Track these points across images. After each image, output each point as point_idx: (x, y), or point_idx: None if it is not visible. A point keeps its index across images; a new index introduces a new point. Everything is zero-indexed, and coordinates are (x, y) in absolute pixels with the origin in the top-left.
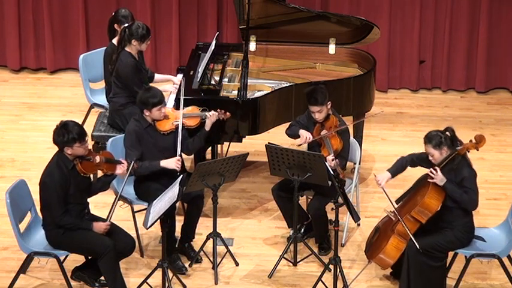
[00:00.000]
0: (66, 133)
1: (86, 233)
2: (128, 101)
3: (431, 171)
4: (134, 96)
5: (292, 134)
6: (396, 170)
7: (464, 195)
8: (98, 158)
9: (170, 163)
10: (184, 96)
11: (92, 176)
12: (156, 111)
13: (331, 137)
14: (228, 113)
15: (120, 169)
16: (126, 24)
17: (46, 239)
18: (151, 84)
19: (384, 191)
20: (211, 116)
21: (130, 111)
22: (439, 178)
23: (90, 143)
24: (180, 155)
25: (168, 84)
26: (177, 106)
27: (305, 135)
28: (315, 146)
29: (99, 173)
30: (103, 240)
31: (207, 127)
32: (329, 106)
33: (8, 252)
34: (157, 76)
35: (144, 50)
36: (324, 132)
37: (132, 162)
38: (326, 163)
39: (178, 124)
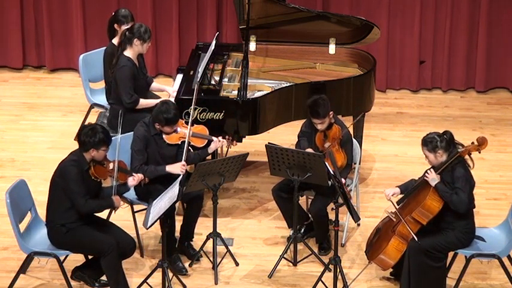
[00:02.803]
0: (97, 135)
1: (89, 231)
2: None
3: (427, 171)
4: (121, 103)
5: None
6: (406, 188)
7: (454, 195)
8: (111, 165)
9: (175, 168)
10: (184, 96)
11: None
12: (168, 128)
13: (335, 152)
14: (235, 142)
15: (132, 181)
16: (127, 26)
17: (48, 238)
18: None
19: (392, 201)
20: (218, 142)
21: (130, 120)
22: (431, 177)
23: None
24: (185, 161)
25: (171, 88)
26: (180, 111)
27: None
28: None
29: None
30: (106, 238)
31: (210, 150)
32: (331, 116)
33: (8, 252)
34: (153, 85)
35: (144, 53)
36: (327, 144)
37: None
38: (326, 164)
39: (184, 141)
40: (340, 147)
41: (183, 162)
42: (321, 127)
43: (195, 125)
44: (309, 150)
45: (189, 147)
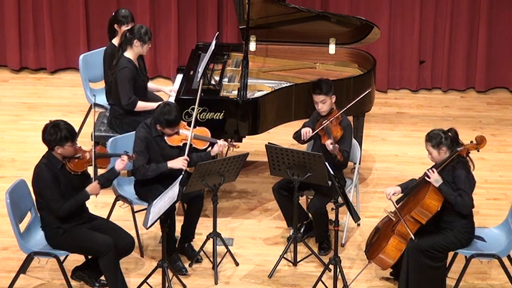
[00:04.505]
0: (58, 132)
1: (86, 232)
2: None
3: (428, 171)
4: (120, 103)
5: (296, 136)
6: (406, 187)
7: (458, 197)
8: (87, 155)
9: (177, 162)
10: (184, 96)
11: (91, 172)
12: (169, 130)
13: (331, 126)
14: (237, 144)
15: (120, 164)
16: (127, 27)
17: (46, 239)
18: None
19: (392, 201)
20: (220, 146)
21: (130, 122)
22: (434, 178)
23: (88, 143)
24: (188, 155)
25: (167, 87)
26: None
27: (304, 131)
28: (317, 139)
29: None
30: (103, 238)
31: (213, 153)
32: (333, 100)
33: (8, 252)
34: (149, 85)
35: (144, 54)
36: (325, 122)
37: (131, 155)
38: (326, 164)
39: (186, 144)
40: (338, 124)
41: (185, 156)
42: (322, 107)
43: (197, 127)
44: (303, 129)
45: (191, 149)
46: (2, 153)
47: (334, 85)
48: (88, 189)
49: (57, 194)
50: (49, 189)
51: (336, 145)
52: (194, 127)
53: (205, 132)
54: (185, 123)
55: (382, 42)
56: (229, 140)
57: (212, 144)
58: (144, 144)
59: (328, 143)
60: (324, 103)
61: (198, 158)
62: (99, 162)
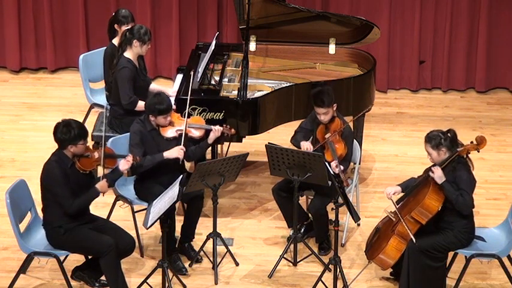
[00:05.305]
0: (72, 130)
1: (86, 232)
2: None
3: (431, 168)
4: (120, 104)
5: (296, 144)
6: (406, 186)
7: (459, 197)
8: (96, 154)
9: (173, 152)
10: (184, 96)
11: (98, 171)
12: (162, 118)
13: (335, 142)
14: (233, 130)
15: (125, 165)
16: (128, 27)
17: (47, 239)
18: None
19: (392, 201)
20: (216, 131)
21: (130, 122)
22: (438, 175)
23: (90, 143)
24: (184, 145)
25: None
26: (180, 111)
27: (305, 146)
28: (319, 150)
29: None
30: (104, 239)
31: (210, 140)
32: (335, 108)
33: (8, 252)
34: (152, 86)
35: (144, 54)
36: (328, 135)
37: (137, 157)
38: (326, 164)
39: (181, 134)
40: (341, 138)
41: (181, 146)
42: (324, 118)
43: (191, 117)
44: (303, 142)
45: (188, 140)
46: (2, 153)
47: (334, 85)
48: (98, 185)
49: (67, 192)
50: (59, 187)
51: (341, 166)
52: (188, 117)
53: (200, 120)
54: (179, 115)
55: (382, 42)
56: (224, 125)
57: (208, 132)
58: (139, 138)
59: (334, 166)
60: (326, 114)
61: (197, 148)
62: (107, 162)
